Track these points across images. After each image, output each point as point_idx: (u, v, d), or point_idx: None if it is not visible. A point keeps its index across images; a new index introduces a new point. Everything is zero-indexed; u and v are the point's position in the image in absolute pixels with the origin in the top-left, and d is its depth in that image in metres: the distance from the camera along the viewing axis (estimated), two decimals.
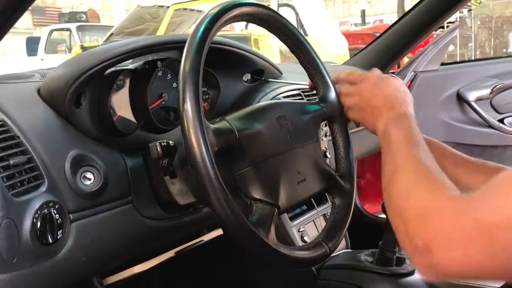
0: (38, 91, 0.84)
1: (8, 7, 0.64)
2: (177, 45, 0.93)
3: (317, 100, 0.89)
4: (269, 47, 5.69)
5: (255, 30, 5.92)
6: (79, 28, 9.39)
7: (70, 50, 8.52)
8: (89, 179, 0.78)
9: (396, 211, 0.62)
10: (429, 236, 0.55)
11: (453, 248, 0.53)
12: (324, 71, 0.89)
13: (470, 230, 0.52)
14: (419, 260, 0.56)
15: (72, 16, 10.43)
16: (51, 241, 0.69)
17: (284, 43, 0.88)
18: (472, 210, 0.53)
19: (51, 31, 9.78)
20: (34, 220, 0.68)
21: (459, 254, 0.52)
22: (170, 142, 0.78)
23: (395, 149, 0.72)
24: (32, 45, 10.04)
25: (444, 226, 0.54)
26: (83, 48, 7.56)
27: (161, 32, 6.80)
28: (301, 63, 0.89)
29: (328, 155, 1.22)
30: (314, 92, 0.92)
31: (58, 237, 0.71)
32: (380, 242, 1.06)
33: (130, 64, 0.94)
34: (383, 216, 1.05)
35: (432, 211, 0.56)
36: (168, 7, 7.14)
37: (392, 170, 0.68)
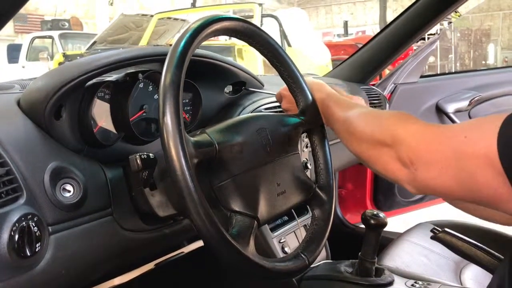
0: (18, 103, 0.83)
1: None
2: (159, 57, 0.93)
3: (297, 113, 0.91)
4: (253, 57, 5.72)
5: (239, 40, 5.94)
6: (61, 36, 9.32)
7: (52, 57, 8.44)
8: (69, 191, 0.77)
9: (381, 142, 0.73)
10: (415, 155, 0.66)
11: (432, 169, 0.64)
12: (303, 84, 0.90)
13: (447, 157, 0.62)
14: (405, 175, 0.68)
15: (55, 24, 10.36)
16: (29, 254, 0.69)
17: (265, 56, 0.90)
18: (452, 140, 0.61)
19: (33, 39, 9.69)
20: (12, 233, 0.67)
21: (436, 175, 0.63)
22: (150, 154, 0.78)
23: (345, 115, 0.85)
24: (13, 52, 9.93)
25: (429, 150, 0.65)
26: (65, 56, 7.51)
27: (144, 40, 6.79)
28: (281, 76, 0.91)
29: (309, 166, 1.24)
30: (278, 104, 0.98)
31: (37, 250, 0.70)
32: (360, 253, 1.07)
33: (111, 76, 0.94)
34: (363, 226, 1.07)
35: (421, 135, 0.67)
36: (152, 16, 7.14)
37: (362, 125, 0.80)
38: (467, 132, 0.61)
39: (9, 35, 13.33)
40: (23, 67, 9.39)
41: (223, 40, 6.47)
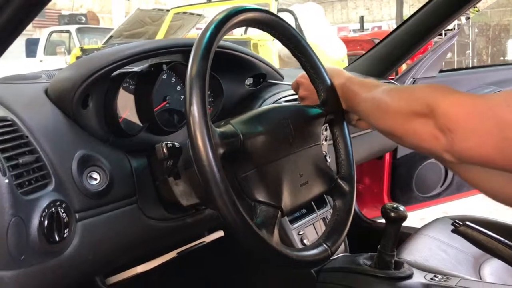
0: (46, 92, 0.85)
1: (19, 13, 0.66)
2: (183, 48, 0.94)
3: (315, 102, 0.91)
4: (268, 51, 5.72)
5: (254, 35, 5.95)
6: (78, 30, 9.41)
7: (69, 52, 8.53)
8: (95, 179, 0.79)
9: (417, 114, 0.72)
10: (454, 125, 0.65)
11: (472, 138, 0.63)
12: (325, 75, 0.90)
13: (489, 126, 0.61)
14: (443, 145, 0.67)
15: (72, 18, 10.43)
16: (57, 240, 0.71)
17: (287, 47, 0.90)
18: (494, 109, 0.61)
19: (51, 33, 9.79)
20: (42, 219, 0.69)
21: (476, 144, 0.63)
22: (176, 143, 0.79)
23: (371, 96, 0.83)
24: (31, 46, 10.05)
25: (469, 119, 0.64)
26: (83, 50, 7.58)
27: (160, 35, 6.83)
28: (303, 67, 0.91)
29: (328, 159, 1.24)
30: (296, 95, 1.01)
31: (65, 236, 0.72)
32: (379, 246, 1.07)
33: (135, 67, 0.95)
34: (381, 221, 1.07)
35: (461, 104, 0.66)
36: (168, 10, 7.17)
37: (401, 105, 0.77)
38: (510, 101, 0.60)
39: (27, 29, 13.30)
40: (41, 61, 9.49)
41: (238, 34, 6.48)
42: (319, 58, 0.92)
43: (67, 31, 9.53)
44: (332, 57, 6.37)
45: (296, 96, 1.19)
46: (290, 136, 0.81)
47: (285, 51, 5.76)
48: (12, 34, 0.70)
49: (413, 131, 0.73)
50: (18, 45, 10.19)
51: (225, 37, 0.78)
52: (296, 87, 1.04)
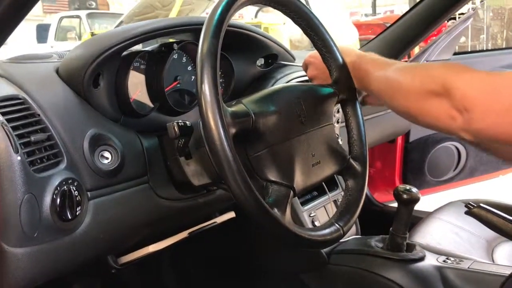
0: (57, 71, 0.85)
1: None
2: (194, 27, 0.93)
3: (326, 81, 0.90)
4: (279, 36, 5.68)
5: (265, 19, 5.91)
6: (89, 16, 9.39)
7: (80, 37, 8.53)
8: (107, 158, 0.79)
9: (432, 93, 0.71)
10: (471, 104, 0.65)
11: (489, 117, 0.63)
12: (337, 54, 0.89)
13: (506, 105, 0.62)
14: (460, 124, 0.67)
15: (82, 3, 10.43)
16: (70, 217, 0.71)
17: (299, 25, 0.89)
18: (510, 87, 0.62)
19: (61, 18, 9.79)
20: (54, 196, 0.69)
21: (493, 123, 0.63)
22: (187, 122, 0.79)
23: (383, 73, 0.83)
24: (42, 32, 10.06)
25: (485, 97, 0.64)
26: (94, 35, 7.57)
27: None
28: (315, 45, 0.90)
29: (340, 141, 1.23)
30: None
31: (77, 214, 0.72)
32: (391, 228, 1.06)
33: (146, 47, 0.95)
34: (393, 205, 1.06)
35: (477, 83, 0.66)
36: None
37: (414, 82, 0.76)
38: None
39: (38, 15, 13.49)
40: (52, 47, 9.50)
41: (249, 19, 6.42)
42: (331, 36, 0.90)
43: (77, 16, 9.52)
44: (344, 41, 6.30)
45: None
46: (302, 116, 0.81)
47: (296, 36, 5.71)
48: (15, 19, 0.70)
49: (428, 111, 0.73)
50: (29, 31, 10.21)
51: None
52: (305, 67, 1.03)
